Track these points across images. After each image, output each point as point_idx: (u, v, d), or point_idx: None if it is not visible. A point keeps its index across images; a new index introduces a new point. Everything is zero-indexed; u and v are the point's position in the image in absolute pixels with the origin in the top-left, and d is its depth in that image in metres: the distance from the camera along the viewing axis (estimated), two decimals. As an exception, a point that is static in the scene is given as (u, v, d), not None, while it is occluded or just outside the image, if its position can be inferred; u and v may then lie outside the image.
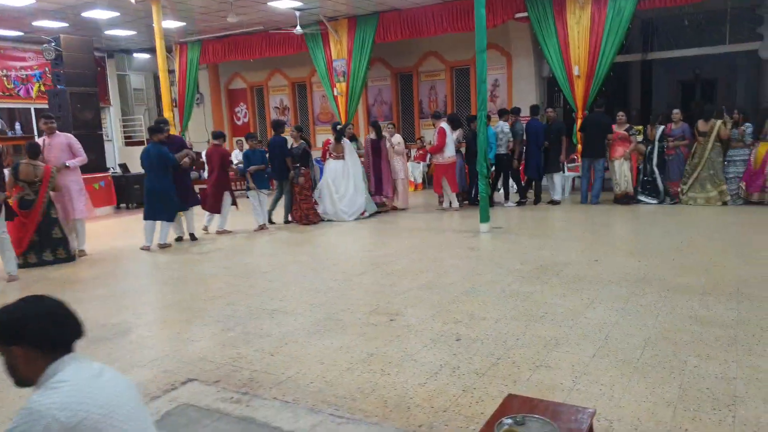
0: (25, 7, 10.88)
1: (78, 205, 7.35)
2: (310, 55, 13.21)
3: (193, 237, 8.14)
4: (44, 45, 10.71)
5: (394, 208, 10.06)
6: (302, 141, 9.16)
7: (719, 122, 8.69)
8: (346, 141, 9.25)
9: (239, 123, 16.99)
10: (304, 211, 9.04)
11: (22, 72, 14.56)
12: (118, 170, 12.93)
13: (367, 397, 3.24)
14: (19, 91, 14.45)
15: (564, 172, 10.12)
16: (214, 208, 8.51)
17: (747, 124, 8.68)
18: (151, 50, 16.19)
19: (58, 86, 10.68)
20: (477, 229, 7.73)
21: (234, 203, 8.67)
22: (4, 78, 14.34)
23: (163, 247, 7.65)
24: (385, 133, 9.80)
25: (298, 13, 11.45)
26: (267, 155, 8.93)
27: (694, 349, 3.65)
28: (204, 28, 13.74)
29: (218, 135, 8.77)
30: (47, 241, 6.88)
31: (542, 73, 12.28)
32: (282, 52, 13.84)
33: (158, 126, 7.71)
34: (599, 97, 10.08)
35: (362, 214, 9.31)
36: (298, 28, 11.88)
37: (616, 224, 8.18)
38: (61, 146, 7.31)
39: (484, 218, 7.65)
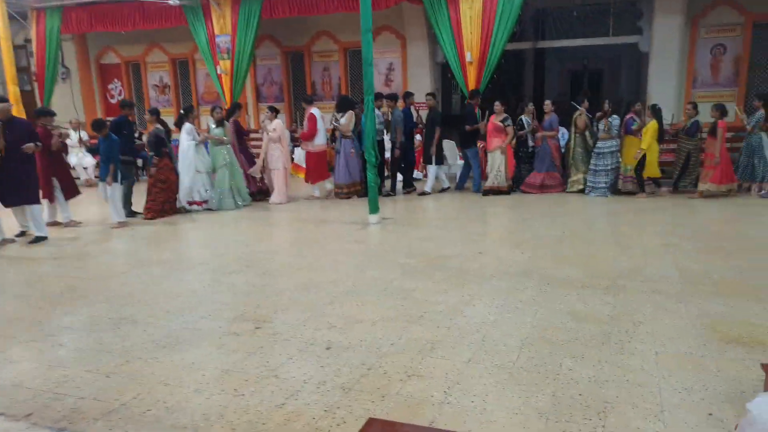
0: None
1: None
2: (190, 29, 12.21)
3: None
4: None
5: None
6: (158, 126, 8.35)
7: (576, 113, 8.97)
8: (186, 125, 8.55)
9: (113, 101, 15.53)
10: (159, 204, 8.26)
11: None
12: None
13: (211, 426, 2.79)
14: None
15: (436, 164, 9.70)
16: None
17: (614, 116, 8.85)
18: (11, 16, 14.36)
19: None
20: (366, 220, 7.40)
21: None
22: None
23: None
24: (263, 118, 9.23)
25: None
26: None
27: (570, 349, 3.51)
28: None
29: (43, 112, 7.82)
30: None
31: (436, 58, 12.13)
32: (158, 24, 12.66)
33: None
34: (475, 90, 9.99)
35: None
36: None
37: (503, 215, 8.16)
38: None
39: (374, 209, 7.34)
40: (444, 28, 10.13)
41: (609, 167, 8.83)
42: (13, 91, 9.17)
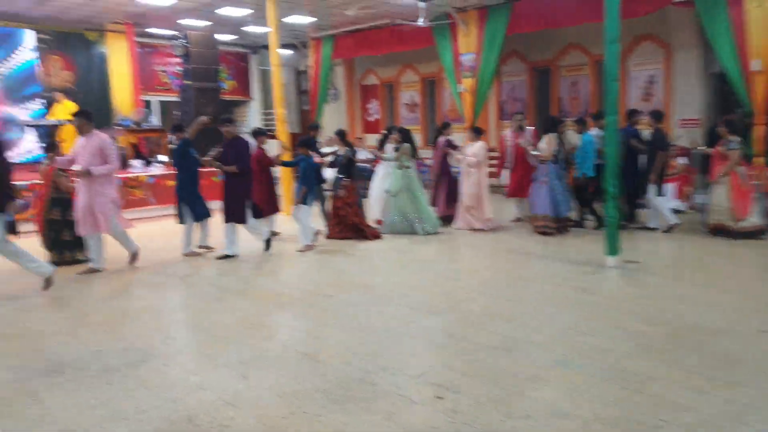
0: (168, 6, 11.30)
1: (99, 217, 6.34)
2: (437, 49, 12.27)
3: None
4: (175, 41, 11.01)
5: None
6: (346, 147, 8.22)
7: None
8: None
9: (370, 119, 16.58)
10: (344, 227, 8.10)
11: (177, 68, 15.40)
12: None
13: None
14: (174, 85, 15.26)
15: (661, 194, 7.97)
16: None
17: None
18: (293, 46, 16.39)
19: (185, 81, 10.93)
20: (600, 261, 6.30)
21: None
22: (162, 73, 15.32)
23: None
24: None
25: (423, 4, 10.56)
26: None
27: None
28: (334, 23, 13.44)
29: (259, 132, 8.09)
30: (60, 242, 6.83)
31: (710, 68, 10.13)
32: (410, 46, 13.10)
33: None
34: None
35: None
36: (421, 20, 10.99)
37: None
38: (92, 149, 6.29)
39: (612, 249, 6.20)
40: (720, 32, 8.32)
41: None
42: (280, 112, 10.18)
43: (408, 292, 5.60)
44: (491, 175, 11.95)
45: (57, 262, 6.62)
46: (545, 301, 5.21)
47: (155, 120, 13.19)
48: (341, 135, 8.23)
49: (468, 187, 8.49)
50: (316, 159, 7.67)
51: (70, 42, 13.67)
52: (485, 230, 8.43)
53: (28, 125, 11.72)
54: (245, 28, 14.06)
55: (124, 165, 9.91)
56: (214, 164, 7.02)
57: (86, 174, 6.13)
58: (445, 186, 9.00)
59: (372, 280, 6.20)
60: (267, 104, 17.28)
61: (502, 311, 4.97)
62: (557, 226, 8.02)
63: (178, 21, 12.73)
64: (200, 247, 7.47)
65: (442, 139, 9.00)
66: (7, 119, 12.24)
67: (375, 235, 8.15)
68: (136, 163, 10.40)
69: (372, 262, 7.19)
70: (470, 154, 8.49)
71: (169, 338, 4.49)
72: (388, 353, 4.10)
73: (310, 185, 7.41)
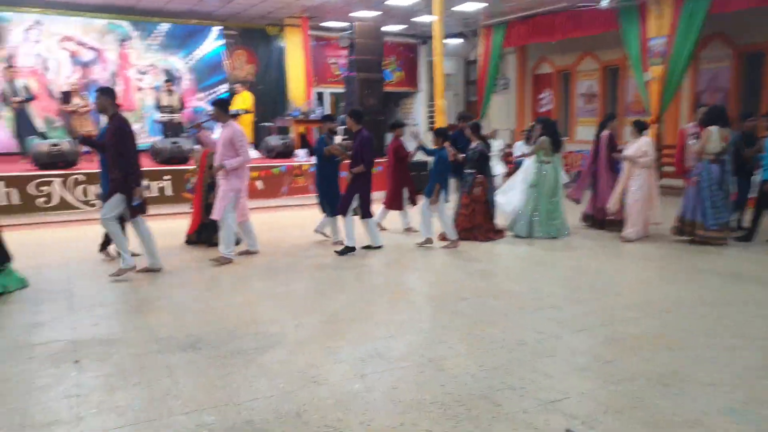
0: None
1: (216, 203, 6.39)
2: (621, 33, 11.07)
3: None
4: (341, 33, 11.28)
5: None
6: (479, 141, 7.50)
7: None
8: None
9: (542, 110, 15.65)
10: (476, 225, 7.55)
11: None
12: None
13: None
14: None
15: None
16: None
17: None
18: (463, 35, 16.07)
19: (350, 73, 11.17)
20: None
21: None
22: (334, 65, 15.97)
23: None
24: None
25: (603, -16, 9.58)
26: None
27: None
28: (507, 9, 12.83)
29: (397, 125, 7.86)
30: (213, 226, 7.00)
31: None
32: (590, 31, 12.03)
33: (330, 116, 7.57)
34: None
35: None
36: (605, 2, 9.97)
37: None
38: (224, 139, 6.29)
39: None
40: None
41: None
42: (439, 104, 9.96)
43: (557, 303, 5.04)
44: (665, 174, 10.57)
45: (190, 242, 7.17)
46: (726, 331, 4.32)
47: (323, 111, 13.77)
48: (475, 128, 7.71)
49: (633, 190, 7.49)
50: (451, 153, 7.24)
51: (253, 37, 14.80)
52: (635, 239, 7.48)
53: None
54: (415, 19, 14.04)
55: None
56: (335, 151, 7.13)
57: (220, 168, 6.30)
58: (601, 184, 8.11)
59: (513, 285, 5.70)
60: (433, 95, 17.15)
61: (667, 337, 4.22)
62: (708, 235, 6.93)
63: (351, 13, 13.10)
64: (334, 242, 7.40)
65: (605, 134, 8.08)
66: (196, 111, 13.65)
67: (500, 236, 7.68)
68: (301, 153, 10.89)
69: (509, 265, 6.68)
70: (632, 153, 7.47)
71: (300, 326, 4.48)
72: (519, 370, 3.66)
73: (441, 180, 6.99)
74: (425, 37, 16.68)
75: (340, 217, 7.01)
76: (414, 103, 17.38)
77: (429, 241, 7.21)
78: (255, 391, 3.39)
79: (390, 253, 7.03)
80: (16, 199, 8.48)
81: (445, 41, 16.50)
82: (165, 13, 13.41)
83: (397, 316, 4.71)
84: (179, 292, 5.39)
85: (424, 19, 13.82)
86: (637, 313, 4.76)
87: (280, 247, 7.25)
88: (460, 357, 3.89)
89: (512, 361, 3.83)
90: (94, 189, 8.75)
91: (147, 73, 13.73)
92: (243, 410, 3.17)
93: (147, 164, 9.98)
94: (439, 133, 7.25)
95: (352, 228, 6.85)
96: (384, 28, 14.84)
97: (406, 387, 3.45)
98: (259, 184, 9.97)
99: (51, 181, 8.70)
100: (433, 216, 7.15)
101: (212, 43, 14.28)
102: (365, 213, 6.94)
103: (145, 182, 5.90)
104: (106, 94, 5.62)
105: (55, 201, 8.69)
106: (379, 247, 7.05)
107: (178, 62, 13.99)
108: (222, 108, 6.38)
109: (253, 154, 11.54)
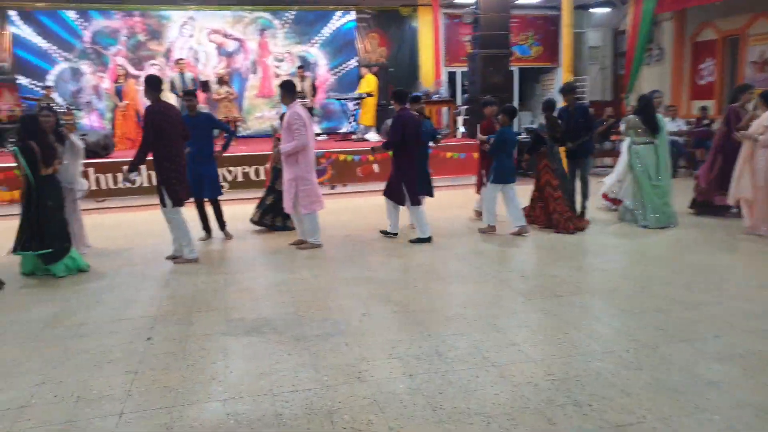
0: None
1: (285, 197, 6.26)
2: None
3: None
4: (466, 9, 10.79)
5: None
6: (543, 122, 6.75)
7: None
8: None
9: (702, 82, 13.78)
10: (556, 214, 6.80)
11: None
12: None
13: None
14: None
15: None
16: None
17: None
18: (611, 3, 14.65)
19: (474, 50, 10.65)
20: None
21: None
22: (467, 44, 15.45)
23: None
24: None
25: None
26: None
27: None
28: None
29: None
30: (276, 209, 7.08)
31: None
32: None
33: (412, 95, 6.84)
34: None
35: None
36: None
37: None
38: (285, 123, 6.01)
39: None
40: None
41: None
42: (566, 78, 9.14)
43: (663, 306, 4.35)
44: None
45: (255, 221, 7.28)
46: None
47: (444, 91, 13.37)
48: (548, 106, 6.97)
49: (757, 174, 6.28)
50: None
51: (386, 19, 14.78)
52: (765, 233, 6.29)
53: (338, 99, 13.07)
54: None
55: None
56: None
57: (278, 153, 6.30)
58: (716, 166, 6.99)
59: (613, 283, 5.02)
60: (576, 70, 15.89)
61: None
62: None
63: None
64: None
65: (733, 107, 6.84)
66: (326, 104, 14.06)
67: (578, 228, 6.84)
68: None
69: (609, 258, 5.90)
70: (753, 130, 6.25)
71: (368, 316, 4.34)
72: (593, 384, 3.18)
73: (500, 161, 6.57)
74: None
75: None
76: (555, 78, 16.25)
77: (492, 228, 6.82)
78: (297, 383, 3.31)
79: (470, 240, 6.61)
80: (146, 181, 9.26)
81: (591, 10, 15.38)
82: (301, 0, 13.89)
83: (472, 311, 4.37)
84: (260, 275, 5.51)
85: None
86: (764, 324, 3.93)
87: (368, 233, 7.06)
88: (529, 363, 3.48)
89: (589, 372, 3.34)
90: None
91: (284, 60, 14.37)
92: (278, 402, 3.10)
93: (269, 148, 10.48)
94: (506, 111, 6.66)
95: (422, 217, 6.50)
96: (520, 1, 14.03)
97: (454, 393, 3.15)
98: (375, 167, 9.95)
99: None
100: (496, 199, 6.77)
101: (345, 27, 14.52)
102: (413, 200, 6.46)
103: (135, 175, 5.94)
104: (151, 84, 5.63)
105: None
106: (428, 239, 6.49)
107: (312, 48, 14.45)
108: (286, 90, 6.09)
109: (374, 137, 11.58)
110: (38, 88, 12.20)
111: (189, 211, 6.22)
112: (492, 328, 4.03)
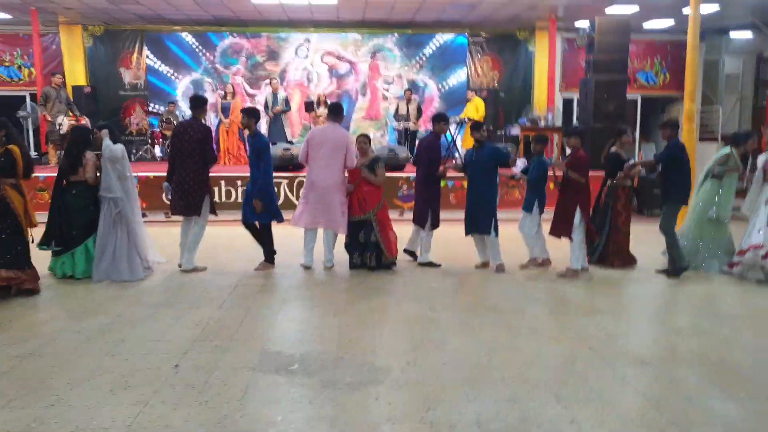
0: None
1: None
2: None
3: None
4: (580, 30, 9.98)
5: None
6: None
7: None
8: None
9: None
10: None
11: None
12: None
13: None
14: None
15: None
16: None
17: None
18: (754, 26, 13.03)
19: (587, 75, 9.80)
20: None
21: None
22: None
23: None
24: None
25: None
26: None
27: None
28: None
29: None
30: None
31: None
32: None
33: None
34: None
35: None
36: None
37: None
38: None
39: None
40: None
41: None
42: (688, 108, 8.09)
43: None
44: None
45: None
46: None
47: (553, 118, 12.47)
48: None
49: None
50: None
51: (501, 42, 14.26)
52: None
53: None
54: (687, 9, 11.79)
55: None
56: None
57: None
58: None
59: (716, 349, 4.11)
60: (708, 100, 14.29)
61: None
62: None
63: (606, 9, 11.60)
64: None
65: None
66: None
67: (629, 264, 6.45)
68: (520, 163, 9.92)
69: (713, 313, 4.87)
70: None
71: (413, 365, 3.85)
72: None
73: (538, 190, 6.34)
74: (702, 32, 13.98)
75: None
76: (681, 108, 14.75)
77: (577, 273, 6.12)
78: (305, 439, 2.92)
79: (555, 284, 5.84)
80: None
81: (731, 34, 13.79)
82: (415, 24, 13.77)
83: (535, 374, 3.72)
84: (317, 304, 5.21)
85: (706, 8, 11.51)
86: None
87: (453, 263, 6.56)
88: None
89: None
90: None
91: (393, 83, 14.29)
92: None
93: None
94: (539, 139, 6.44)
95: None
96: (647, 25, 12.89)
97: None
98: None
99: (279, 183, 9.48)
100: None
101: (456, 50, 14.18)
102: (433, 223, 6.41)
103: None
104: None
105: (280, 200, 9.45)
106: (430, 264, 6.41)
107: (422, 71, 14.24)
108: (332, 112, 6.35)
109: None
110: (161, 105, 13.09)
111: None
112: (554, 398, 3.39)
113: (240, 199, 9.42)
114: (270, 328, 4.56)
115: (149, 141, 12.81)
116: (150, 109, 13.53)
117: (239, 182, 9.48)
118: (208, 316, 4.77)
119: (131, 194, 5.94)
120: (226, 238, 7.75)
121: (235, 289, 5.60)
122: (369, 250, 6.19)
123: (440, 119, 6.48)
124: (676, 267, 6.07)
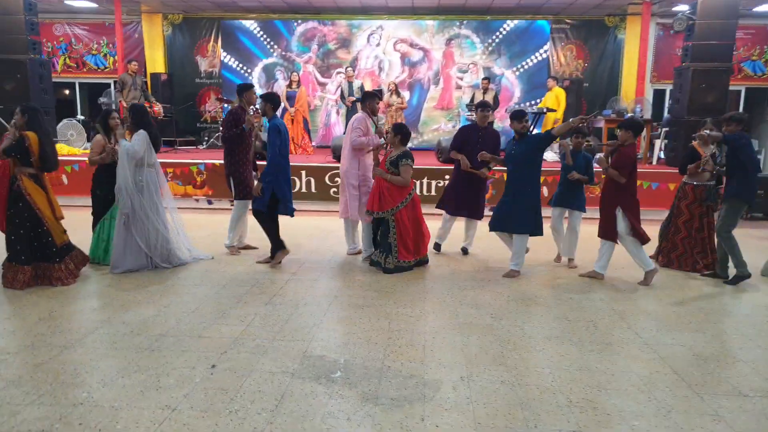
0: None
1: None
2: None
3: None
4: (678, 14, 9.05)
5: None
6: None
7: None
8: None
9: None
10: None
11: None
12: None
13: None
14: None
15: None
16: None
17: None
18: None
19: (683, 63, 8.87)
20: None
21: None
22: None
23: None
24: None
25: None
26: None
27: None
28: None
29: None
30: None
31: None
32: None
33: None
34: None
35: None
36: None
37: None
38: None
39: None
40: None
41: None
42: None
43: None
44: None
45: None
46: None
47: (641, 110, 11.44)
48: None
49: None
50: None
51: (587, 30, 13.39)
52: None
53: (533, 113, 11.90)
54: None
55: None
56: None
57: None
58: None
59: None
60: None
61: None
62: None
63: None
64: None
65: None
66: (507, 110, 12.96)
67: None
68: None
69: None
70: None
71: (466, 380, 3.45)
72: None
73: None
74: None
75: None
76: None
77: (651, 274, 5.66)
78: (337, 464, 2.60)
79: (638, 294, 5.18)
80: (313, 187, 9.30)
81: None
82: (493, 10, 13.15)
83: (605, 400, 3.23)
84: (371, 303, 4.87)
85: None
86: None
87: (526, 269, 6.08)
88: None
89: None
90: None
91: (468, 71, 13.73)
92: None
93: (433, 162, 9.94)
94: (577, 134, 6.03)
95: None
96: (759, 9, 11.62)
97: None
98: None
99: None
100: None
101: (536, 37, 13.41)
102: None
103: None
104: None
105: (343, 191, 9.23)
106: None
107: (500, 60, 13.60)
108: (364, 99, 6.26)
109: (551, 156, 10.36)
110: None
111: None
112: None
113: (304, 190, 9.30)
114: (316, 327, 4.28)
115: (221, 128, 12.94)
116: (224, 97, 13.69)
117: (303, 172, 9.31)
118: (254, 311, 4.56)
119: (152, 184, 5.56)
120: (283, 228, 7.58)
121: (287, 283, 5.38)
122: (384, 251, 5.76)
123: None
124: (736, 275, 5.59)
